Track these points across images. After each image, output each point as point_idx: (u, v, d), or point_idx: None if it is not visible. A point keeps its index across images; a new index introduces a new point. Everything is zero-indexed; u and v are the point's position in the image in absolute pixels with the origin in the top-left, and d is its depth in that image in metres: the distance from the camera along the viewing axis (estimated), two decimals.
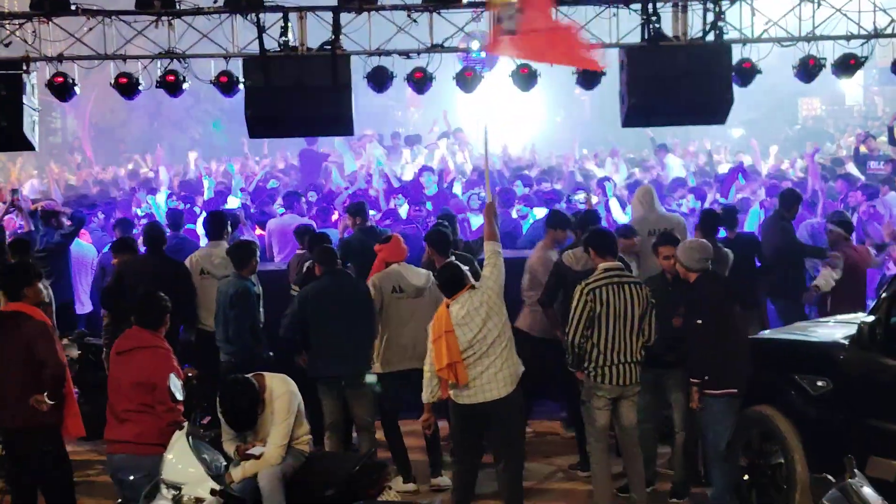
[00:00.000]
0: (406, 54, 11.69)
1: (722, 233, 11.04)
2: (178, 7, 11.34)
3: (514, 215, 13.74)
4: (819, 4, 11.66)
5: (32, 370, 7.68)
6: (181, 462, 7.11)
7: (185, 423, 7.33)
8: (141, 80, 11.63)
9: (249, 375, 7.55)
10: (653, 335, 8.38)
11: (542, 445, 10.42)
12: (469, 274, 8.04)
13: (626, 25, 11.56)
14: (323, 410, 9.22)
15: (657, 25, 11.42)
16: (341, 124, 11.70)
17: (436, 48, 11.63)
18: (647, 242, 10.14)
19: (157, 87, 11.63)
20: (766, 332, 9.76)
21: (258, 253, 9.92)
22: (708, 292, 8.37)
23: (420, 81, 11.71)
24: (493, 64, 12.38)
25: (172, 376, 7.37)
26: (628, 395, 8.39)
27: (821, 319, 9.71)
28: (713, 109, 11.63)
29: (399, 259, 9.54)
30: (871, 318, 7.49)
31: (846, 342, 7.71)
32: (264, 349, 9.65)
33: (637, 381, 8.37)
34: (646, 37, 11.45)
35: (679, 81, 11.23)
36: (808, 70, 11.82)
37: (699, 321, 8.22)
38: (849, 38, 11.84)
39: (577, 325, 8.21)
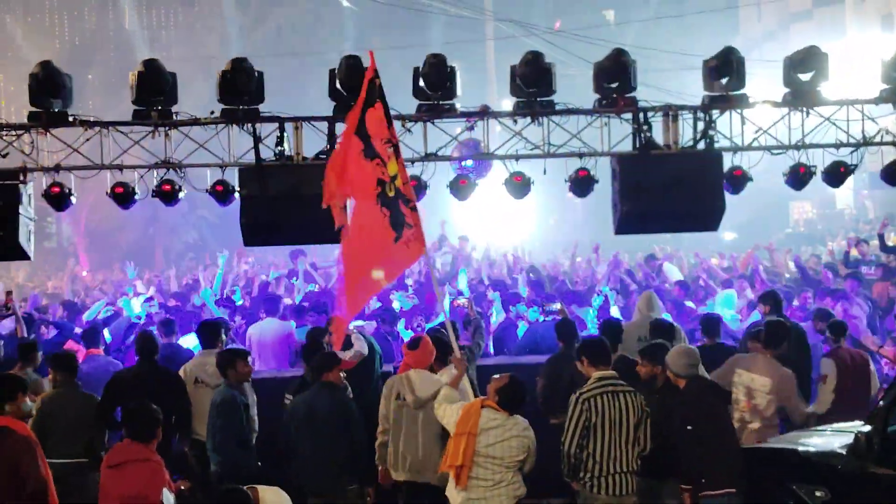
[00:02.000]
0: None
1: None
2: (174, 118, 11.45)
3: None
4: (808, 113, 11.83)
5: (15, 485, 7.56)
6: None
7: None
8: (137, 190, 11.69)
9: (244, 487, 7.46)
10: (648, 444, 8.32)
11: None
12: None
13: (618, 134, 11.70)
14: None
15: (648, 134, 11.56)
16: (337, 231, 11.73)
17: (430, 157, 11.75)
18: (635, 347, 10.20)
19: (153, 196, 11.68)
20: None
21: (246, 359, 9.78)
22: (697, 398, 8.33)
23: (414, 189, 11.77)
24: (486, 172, 12.49)
25: (165, 490, 7.29)
26: None
27: (817, 428, 9.65)
28: (705, 216, 11.72)
29: (421, 365, 9.33)
30: (867, 428, 7.47)
31: (843, 452, 7.68)
32: (252, 459, 9.48)
33: (633, 492, 8.31)
34: (637, 145, 11.58)
35: (671, 189, 11.31)
36: (798, 177, 11.94)
37: (689, 427, 8.16)
38: (838, 146, 12.00)
39: (573, 435, 8.17)
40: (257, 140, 11.47)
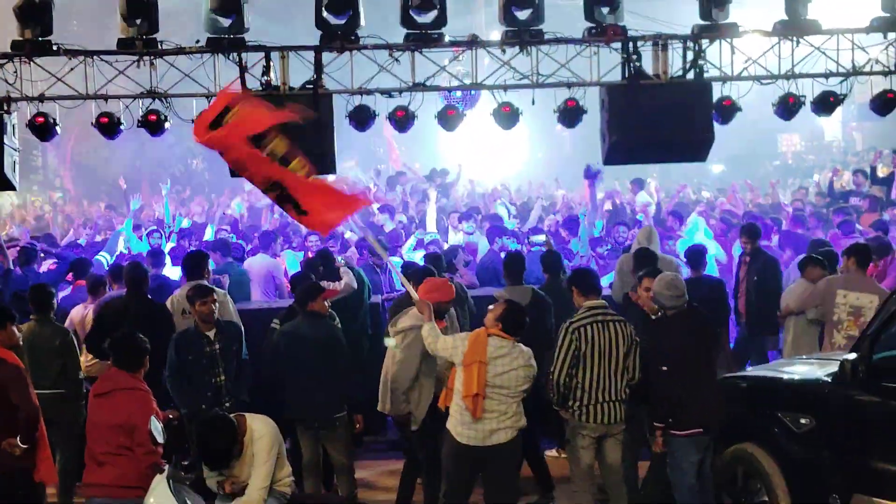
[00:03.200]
0: (388, 93, 11.72)
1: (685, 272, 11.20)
2: (160, 47, 11.33)
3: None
4: (798, 43, 11.76)
5: (5, 414, 7.60)
6: None
7: (166, 467, 7.26)
8: (122, 120, 11.61)
9: (231, 415, 7.51)
10: (637, 373, 8.35)
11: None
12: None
13: (607, 64, 11.62)
14: (301, 452, 9.17)
15: (638, 64, 11.50)
16: (323, 163, 11.68)
17: (418, 87, 11.66)
18: (631, 279, 10.27)
19: (138, 126, 11.60)
20: (747, 370, 9.76)
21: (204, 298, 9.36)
22: (681, 332, 8.29)
23: (402, 120, 11.74)
24: (475, 102, 12.44)
25: (153, 419, 7.31)
26: (613, 434, 8.37)
27: (803, 357, 9.71)
28: (694, 147, 11.69)
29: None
30: (853, 356, 7.50)
31: (829, 379, 7.72)
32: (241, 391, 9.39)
33: (622, 420, 8.35)
34: (626, 75, 11.51)
35: (660, 119, 11.26)
36: (787, 107, 11.91)
37: (664, 367, 8.15)
38: (827, 75, 11.96)
39: (563, 364, 8.19)
40: (243, 70, 11.38)
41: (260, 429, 7.44)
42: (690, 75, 11.58)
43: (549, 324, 9.96)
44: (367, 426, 9.65)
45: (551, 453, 10.59)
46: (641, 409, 8.65)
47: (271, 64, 11.41)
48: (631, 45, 11.47)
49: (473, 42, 11.74)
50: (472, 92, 12.25)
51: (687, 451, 8.15)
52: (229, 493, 7.43)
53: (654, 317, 8.72)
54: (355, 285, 11.12)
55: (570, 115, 11.70)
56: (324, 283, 10.08)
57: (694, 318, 8.39)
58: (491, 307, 8.11)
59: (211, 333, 9.08)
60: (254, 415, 7.61)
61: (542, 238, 13.61)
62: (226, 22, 11.28)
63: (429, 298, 8.41)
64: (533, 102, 11.79)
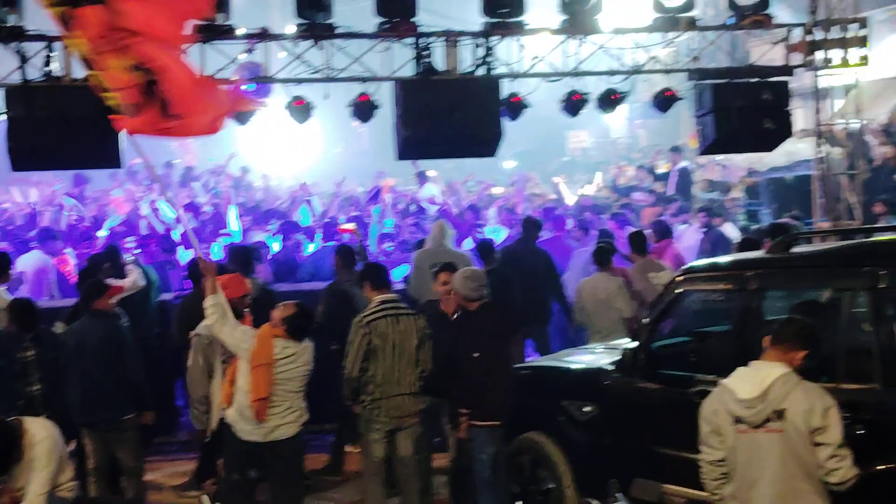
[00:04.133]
0: None
1: None
2: None
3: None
4: (583, 41, 12.13)
5: None
6: None
7: None
8: None
9: (9, 419, 7.18)
10: (430, 365, 8.42)
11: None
12: None
13: (400, 59, 11.70)
14: (86, 455, 8.86)
15: (429, 59, 11.62)
16: (108, 157, 11.34)
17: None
18: (428, 275, 10.29)
19: None
20: (535, 359, 9.98)
21: None
22: (487, 323, 8.45)
23: None
24: (267, 95, 12.30)
25: None
26: (405, 427, 8.40)
27: (587, 346, 10.00)
28: (484, 142, 11.90)
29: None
30: (633, 344, 7.76)
31: (611, 368, 7.95)
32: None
33: (414, 412, 8.39)
34: (418, 70, 11.62)
35: (451, 115, 11.43)
36: (572, 104, 12.29)
37: (476, 354, 8.28)
38: (611, 73, 12.38)
39: (355, 359, 8.16)
40: (23, 59, 10.94)
41: (39, 432, 7.13)
42: (480, 71, 11.79)
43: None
44: (158, 426, 9.43)
45: (347, 448, 10.58)
46: (436, 401, 8.76)
47: (54, 54, 11.00)
48: (422, 40, 11.58)
49: (265, 35, 11.63)
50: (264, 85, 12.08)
51: (485, 442, 8.27)
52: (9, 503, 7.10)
53: (454, 316, 8.81)
54: (143, 282, 10.82)
55: (364, 109, 11.76)
56: (110, 281, 9.77)
57: (495, 310, 8.55)
58: (281, 305, 8.03)
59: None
60: (32, 418, 7.30)
61: (351, 225, 13.54)
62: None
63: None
64: (326, 96, 11.77)
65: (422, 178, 19.94)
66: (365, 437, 8.40)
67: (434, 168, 20.45)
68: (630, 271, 11.19)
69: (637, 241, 11.34)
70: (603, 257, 11.15)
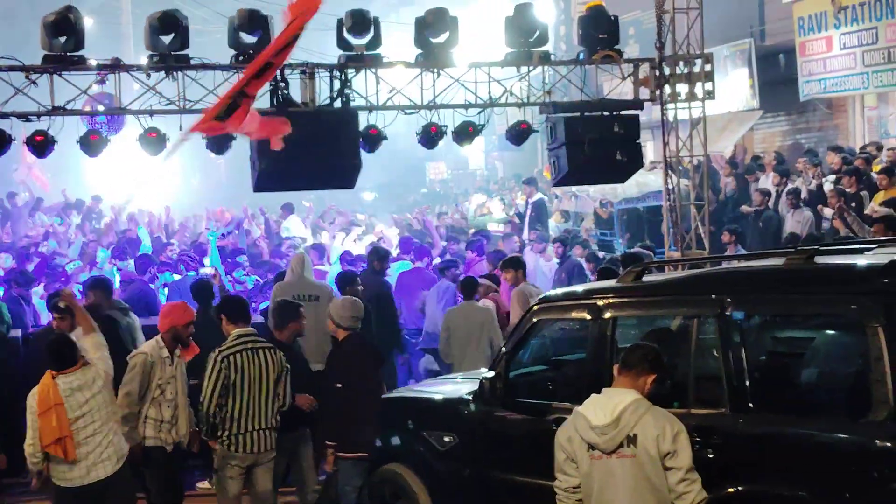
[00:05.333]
0: (25, 116, 11.17)
1: None
2: None
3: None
4: (439, 74, 12.26)
5: None
6: None
7: None
8: None
9: None
10: (288, 400, 8.35)
11: None
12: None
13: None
14: None
15: (286, 91, 11.57)
16: None
17: (57, 110, 11.19)
18: None
19: None
20: (398, 389, 9.99)
21: None
22: (353, 354, 8.43)
23: (41, 144, 11.21)
24: (120, 127, 12.08)
25: None
26: (263, 462, 8.31)
27: (450, 376, 10.05)
28: (342, 174, 11.87)
29: None
30: (491, 374, 7.81)
31: (470, 397, 7.98)
32: None
33: (272, 448, 8.31)
34: (275, 102, 11.55)
35: (308, 147, 11.31)
36: (429, 136, 12.39)
37: (339, 384, 8.25)
38: (467, 106, 12.54)
39: (212, 395, 8.04)
40: None
41: None
42: (337, 104, 11.80)
43: None
44: (8, 467, 9.17)
45: (203, 485, 10.39)
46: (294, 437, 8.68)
47: None
48: (279, 72, 11.52)
49: (117, 65, 11.42)
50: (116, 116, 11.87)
51: (351, 475, 8.26)
52: None
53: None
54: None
55: (219, 141, 11.62)
56: None
57: (362, 341, 8.59)
58: None
59: None
60: None
61: (211, 270, 13.48)
62: None
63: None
64: (181, 128, 11.58)
65: (287, 209, 19.88)
66: (220, 473, 8.27)
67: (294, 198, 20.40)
68: (503, 298, 11.37)
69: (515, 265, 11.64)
70: (468, 289, 11.33)
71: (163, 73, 11.42)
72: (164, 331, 8.51)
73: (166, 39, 11.26)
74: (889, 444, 5.35)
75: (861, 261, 6.31)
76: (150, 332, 9.45)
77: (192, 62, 11.37)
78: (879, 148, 17.10)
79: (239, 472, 8.20)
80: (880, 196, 13.73)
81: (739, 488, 6.00)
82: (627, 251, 13.88)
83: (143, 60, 11.94)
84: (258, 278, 14.99)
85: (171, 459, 8.51)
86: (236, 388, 8.11)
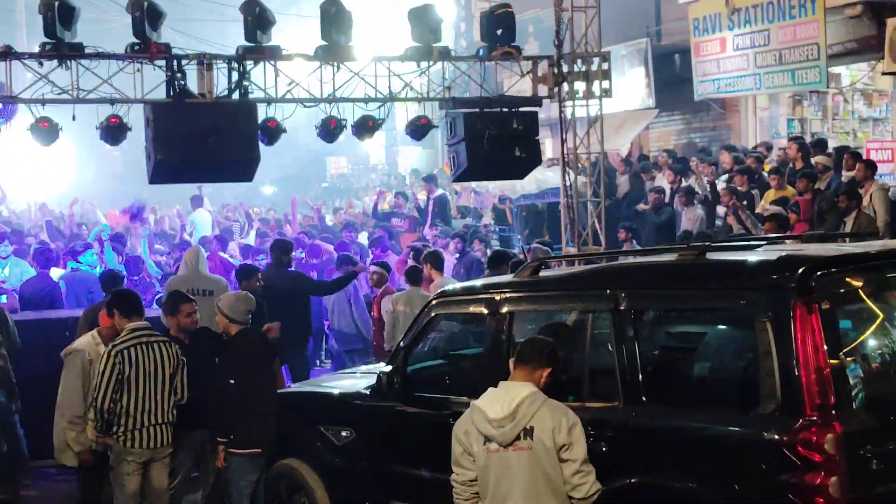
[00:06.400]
0: None
1: None
2: None
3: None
4: (339, 68, 12.21)
5: None
6: None
7: None
8: None
9: None
10: (185, 393, 8.26)
11: None
12: None
13: (152, 81, 11.43)
14: None
15: (183, 82, 11.41)
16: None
17: None
18: None
19: None
20: (296, 384, 9.94)
21: None
22: (245, 349, 8.36)
23: None
24: (11, 116, 11.78)
25: None
26: (159, 458, 8.22)
27: (348, 370, 10.04)
28: (240, 167, 11.75)
29: None
30: (389, 368, 7.83)
31: (368, 392, 7.99)
32: None
33: (169, 443, 8.22)
34: (171, 93, 11.39)
35: (206, 139, 11.20)
36: (329, 130, 12.32)
37: (232, 380, 8.18)
38: (367, 100, 12.51)
39: (106, 390, 7.92)
40: None
41: None
42: (235, 95, 11.67)
43: None
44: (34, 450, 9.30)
45: None
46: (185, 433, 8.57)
47: None
48: (175, 62, 11.36)
49: (7, 53, 11.14)
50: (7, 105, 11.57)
51: (244, 471, 8.18)
52: None
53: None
54: None
55: (114, 132, 11.39)
56: None
57: (254, 336, 8.51)
58: None
59: None
60: None
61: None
62: None
63: None
64: (74, 118, 11.35)
65: (196, 201, 19.62)
66: (117, 469, 8.15)
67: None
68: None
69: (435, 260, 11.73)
70: (415, 275, 11.48)
71: (55, 62, 11.17)
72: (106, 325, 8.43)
73: (59, 28, 10.99)
74: (776, 437, 5.47)
75: (751, 257, 6.45)
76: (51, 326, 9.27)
77: (87, 51, 11.13)
78: (770, 148, 17.58)
79: (136, 468, 8.10)
80: (770, 195, 14.11)
81: (632, 480, 6.07)
82: (498, 250, 14.14)
83: (37, 49, 11.68)
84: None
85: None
86: (131, 383, 8.01)
